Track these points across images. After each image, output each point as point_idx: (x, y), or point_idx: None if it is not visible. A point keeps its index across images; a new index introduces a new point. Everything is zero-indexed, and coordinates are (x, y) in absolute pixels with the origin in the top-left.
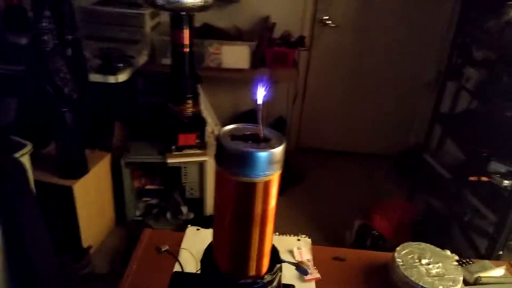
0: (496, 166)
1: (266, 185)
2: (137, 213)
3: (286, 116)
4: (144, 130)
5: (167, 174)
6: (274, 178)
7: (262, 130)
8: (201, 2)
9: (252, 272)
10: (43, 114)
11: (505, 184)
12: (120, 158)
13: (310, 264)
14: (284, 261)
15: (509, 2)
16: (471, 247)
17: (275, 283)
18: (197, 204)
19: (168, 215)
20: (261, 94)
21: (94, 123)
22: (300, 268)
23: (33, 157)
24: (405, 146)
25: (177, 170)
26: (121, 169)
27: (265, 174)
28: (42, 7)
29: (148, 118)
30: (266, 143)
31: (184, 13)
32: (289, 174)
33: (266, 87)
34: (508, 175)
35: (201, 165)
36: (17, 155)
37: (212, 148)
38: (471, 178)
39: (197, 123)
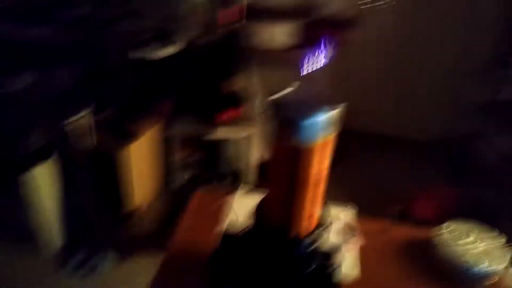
0: None
1: (321, 147)
2: (182, 182)
3: (331, 97)
4: (192, 103)
5: (212, 147)
6: (327, 141)
7: (311, 96)
8: None
9: (297, 231)
10: (101, 81)
11: None
12: (168, 129)
13: (355, 232)
14: (327, 224)
15: None
16: None
17: (318, 243)
18: (236, 177)
19: (212, 187)
20: (321, 60)
21: (145, 95)
22: (346, 231)
23: (93, 120)
24: (454, 134)
25: (222, 143)
26: (168, 139)
27: (320, 137)
28: None
29: (192, 93)
30: (319, 106)
31: None
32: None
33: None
34: None
35: (246, 139)
36: (79, 115)
37: (258, 124)
38: None
39: (244, 99)
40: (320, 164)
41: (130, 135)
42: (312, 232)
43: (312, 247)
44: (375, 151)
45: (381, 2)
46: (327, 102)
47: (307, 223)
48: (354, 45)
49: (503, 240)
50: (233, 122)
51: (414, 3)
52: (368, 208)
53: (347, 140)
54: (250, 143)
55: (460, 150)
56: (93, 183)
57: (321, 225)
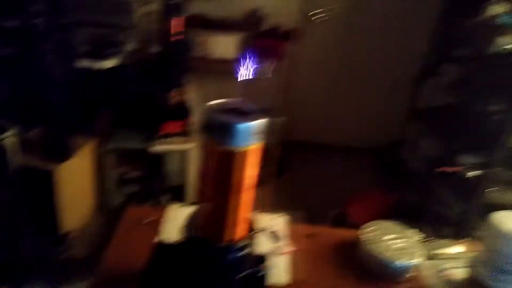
0: (465, 159)
1: (248, 154)
2: (119, 201)
3: (272, 108)
4: (129, 117)
5: (149, 162)
6: (253, 149)
7: (244, 104)
8: None
9: (229, 237)
10: (29, 97)
11: (471, 175)
12: (105, 145)
13: (285, 239)
14: (258, 230)
15: (485, 2)
16: (439, 236)
17: (249, 249)
18: (178, 192)
19: (149, 203)
20: (249, 69)
21: (80, 109)
22: (273, 236)
23: (19, 140)
24: (387, 141)
25: (159, 158)
26: (104, 156)
27: (244, 144)
28: None
29: (134, 106)
30: (247, 115)
31: (176, 1)
32: (272, 165)
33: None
34: (475, 167)
35: (185, 153)
36: (3, 136)
37: (197, 137)
38: (439, 169)
39: (183, 112)
40: (249, 171)
41: (63, 153)
42: (243, 238)
43: (243, 253)
44: (313, 160)
45: (322, 15)
46: (260, 112)
47: (238, 229)
48: (293, 56)
49: (421, 236)
50: (175, 135)
51: (352, 16)
52: (308, 215)
53: (287, 150)
54: (192, 156)
55: (390, 156)
56: (22, 206)
57: (252, 231)
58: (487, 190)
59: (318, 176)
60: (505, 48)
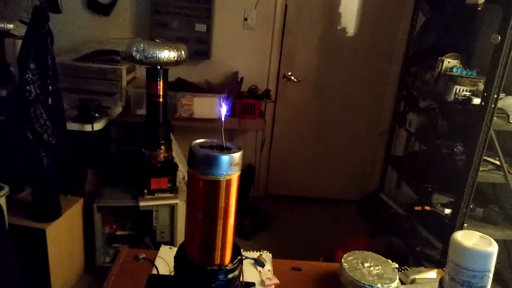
0: (438, 198)
1: (228, 183)
2: (107, 259)
3: (254, 163)
4: (116, 176)
5: (138, 219)
6: (234, 178)
7: (224, 142)
8: (175, 57)
9: (217, 261)
10: (20, 160)
11: (446, 212)
12: (93, 203)
13: (270, 273)
14: (244, 256)
15: (440, 58)
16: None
17: (236, 272)
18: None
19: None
20: (223, 112)
21: (68, 169)
22: (258, 261)
23: (8, 201)
24: (367, 191)
25: (148, 214)
26: (93, 215)
27: (227, 173)
28: (28, 60)
29: (120, 165)
30: (227, 150)
31: (159, 67)
32: (257, 219)
33: (227, 108)
34: (448, 205)
35: (172, 209)
36: None
37: (183, 193)
38: (416, 208)
39: (169, 168)
40: (228, 199)
41: (52, 213)
42: (231, 262)
43: (233, 275)
44: (298, 212)
45: (294, 79)
46: (237, 148)
47: (225, 253)
48: (273, 114)
49: (395, 265)
50: (163, 191)
51: (323, 77)
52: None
53: (276, 204)
54: (180, 210)
55: (372, 204)
56: (10, 267)
57: (235, 258)
58: (463, 226)
59: (303, 226)
60: (460, 96)
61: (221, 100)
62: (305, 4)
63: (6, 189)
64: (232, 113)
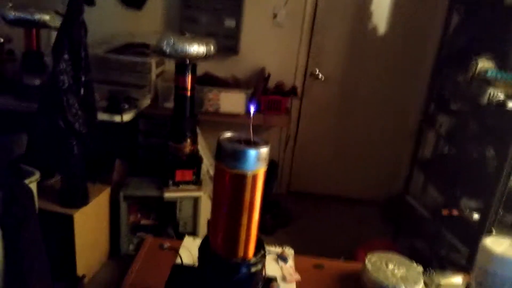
0: (466, 202)
1: (254, 177)
2: (131, 247)
3: (278, 160)
4: (143, 167)
5: (162, 210)
6: (260, 173)
7: (252, 136)
8: (203, 52)
9: (241, 254)
10: (51, 148)
11: (475, 218)
12: (119, 192)
13: (292, 269)
14: (268, 250)
15: (474, 58)
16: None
17: (259, 266)
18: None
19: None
20: (252, 108)
21: (97, 158)
22: (281, 256)
23: (39, 187)
24: (392, 192)
25: (172, 205)
26: (119, 203)
27: (254, 168)
28: (62, 51)
29: (147, 156)
30: (255, 145)
31: (188, 61)
32: (279, 216)
33: (255, 104)
34: (476, 210)
35: (196, 201)
36: (26, 181)
37: (206, 186)
38: (444, 213)
39: (194, 161)
40: (254, 193)
41: (80, 200)
42: (254, 256)
43: (256, 268)
44: (321, 210)
45: (321, 77)
46: (264, 142)
47: (249, 246)
48: (299, 111)
49: (420, 268)
50: (187, 183)
51: (351, 74)
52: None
53: (293, 201)
54: (203, 203)
55: (397, 205)
56: (38, 250)
57: (259, 252)
58: (490, 233)
59: (324, 225)
60: (494, 99)
61: (251, 96)
62: (335, 2)
63: (37, 175)
64: (257, 108)
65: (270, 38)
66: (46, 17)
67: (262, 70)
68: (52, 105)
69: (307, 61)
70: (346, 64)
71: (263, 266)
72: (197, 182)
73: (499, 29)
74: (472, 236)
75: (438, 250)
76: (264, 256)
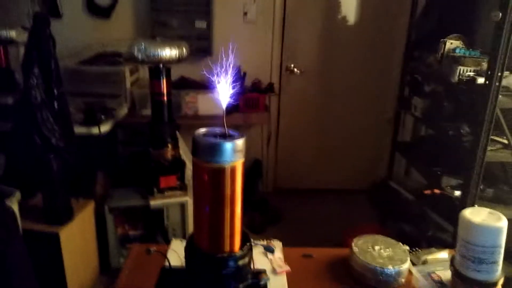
0: (447, 181)
1: (232, 170)
2: (121, 260)
3: (262, 158)
4: (125, 177)
5: (149, 219)
6: (238, 165)
7: (227, 130)
8: (176, 55)
9: (227, 248)
10: (30, 166)
11: (456, 195)
12: (104, 205)
13: (281, 260)
14: (254, 242)
15: (442, 40)
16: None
17: (246, 259)
18: None
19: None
20: (224, 102)
21: (77, 172)
22: (267, 247)
23: (21, 207)
24: (376, 179)
25: (159, 213)
26: (104, 216)
27: (231, 160)
28: (32, 66)
29: (128, 166)
30: (230, 138)
31: (162, 65)
32: (267, 213)
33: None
34: (458, 187)
35: (182, 206)
36: (7, 202)
37: (191, 190)
38: (426, 192)
39: (177, 166)
40: (233, 186)
41: (65, 216)
42: (241, 249)
43: (244, 262)
44: (307, 204)
45: (297, 71)
46: (240, 135)
47: (235, 240)
48: (278, 107)
49: (406, 247)
50: (172, 188)
51: (326, 66)
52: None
53: (285, 197)
54: (190, 208)
55: (381, 191)
56: (26, 271)
57: (245, 246)
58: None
59: (314, 218)
60: (464, 77)
61: (222, 89)
62: None
63: (18, 194)
64: (236, 108)
65: (243, 37)
66: (13, 33)
67: (238, 68)
68: (27, 121)
69: (281, 56)
70: (321, 56)
71: (251, 259)
72: (182, 187)
73: (463, 8)
74: (456, 213)
75: (425, 231)
76: (250, 249)
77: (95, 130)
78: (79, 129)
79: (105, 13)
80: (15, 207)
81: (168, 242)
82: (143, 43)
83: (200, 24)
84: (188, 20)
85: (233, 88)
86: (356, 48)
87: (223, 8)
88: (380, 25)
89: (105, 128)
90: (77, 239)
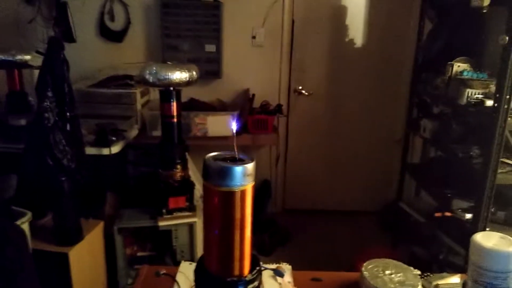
0: (458, 203)
1: (243, 193)
2: (129, 281)
3: (270, 179)
4: (135, 198)
5: (158, 239)
6: (248, 188)
7: (237, 154)
8: (186, 78)
9: (236, 272)
10: (41, 186)
11: (467, 217)
12: (113, 225)
13: (291, 284)
14: (263, 267)
15: (449, 63)
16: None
17: (256, 283)
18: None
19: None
20: (234, 126)
21: (88, 193)
22: (277, 271)
23: (31, 227)
24: (386, 200)
25: (167, 234)
26: (113, 237)
27: (241, 184)
28: (45, 89)
29: (138, 187)
30: (240, 161)
31: (172, 88)
32: (276, 235)
33: (237, 121)
34: (469, 210)
35: (191, 227)
36: (18, 222)
37: (201, 211)
38: (436, 215)
39: (186, 187)
40: (243, 209)
41: (74, 237)
42: (250, 273)
43: (253, 285)
44: (317, 226)
45: (305, 93)
46: (249, 159)
47: (244, 263)
48: (286, 128)
49: (417, 272)
50: (181, 209)
51: (334, 89)
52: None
53: (294, 218)
54: (198, 228)
55: (392, 214)
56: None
57: (254, 269)
58: (484, 230)
59: (323, 240)
60: (472, 99)
61: (233, 115)
62: (311, 18)
63: (29, 215)
64: (245, 129)
65: (252, 59)
66: (28, 57)
67: (246, 91)
68: (39, 143)
69: (290, 78)
70: (329, 78)
71: (260, 282)
72: (191, 208)
73: (470, 31)
74: (467, 236)
75: (437, 254)
76: (260, 272)
77: (105, 151)
78: (90, 150)
79: (117, 37)
80: (26, 228)
81: (176, 263)
82: (154, 67)
83: (210, 48)
84: (198, 44)
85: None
86: (364, 69)
87: (232, 32)
88: (388, 47)
89: (115, 149)
90: (86, 259)
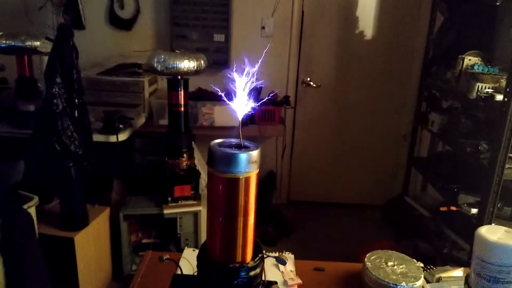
0: (464, 198)
1: (247, 180)
2: (134, 267)
3: (276, 170)
4: (141, 185)
5: (163, 227)
6: (253, 175)
7: (242, 141)
8: (194, 67)
9: (239, 258)
10: (48, 172)
11: (473, 212)
12: (119, 212)
13: (293, 273)
14: (266, 254)
15: (460, 56)
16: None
17: (258, 270)
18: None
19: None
20: (240, 114)
21: (94, 180)
22: (279, 259)
23: (38, 212)
24: (391, 194)
25: (172, 222)
26: (119, 223)
27: (245, 171)
28: (54, 75)
29: (144, 174)
30: (245, 148)
31: (180, 77)
32: (281, 226)
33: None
34: (474, 204)
35: (196, 216)
36: (25, 206)
37: (205, 200)
38: (442, 209)
39: (192, 176)
40: (247, 196)
41: (80, 222)
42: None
43: (255, 272)
44: (321, 218)
45: (313, 85)
46: (254, 146)
47: (247, 250)
48: (293, 120)
49: (420, 264)
50: (186, 198)
51: (342, 80)
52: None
53: (298, 210)
54: (203, 217)
55: (397, 207)
56: (40, 275)
57: (257, 256)
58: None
59: (327, 232)
60: (482, 93)
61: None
62: (321, 9)
63: (36, 199)
64: (252, 120)
65: (260, 50)
66: (37, 43)
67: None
68: (47, 129)
69: (298, 69)
70: (337, 70)
71: (262, 269)
72: (196, 197)
73: (482, 25)
74: (472, 231)
75: (441, 248)
76: (262, 260)
77: (113, 138)
78: (97, 137)
79: (126, 25)
80: (33, 212)
81: (180, 251)
82: (162, 55)
83: (219, 38)
84: (207, 34)
85: (249, 99)
86: (373, 62)
87: (241, 22)
88: (397, 41)
89: (122, 136)
90: (92, 244)
